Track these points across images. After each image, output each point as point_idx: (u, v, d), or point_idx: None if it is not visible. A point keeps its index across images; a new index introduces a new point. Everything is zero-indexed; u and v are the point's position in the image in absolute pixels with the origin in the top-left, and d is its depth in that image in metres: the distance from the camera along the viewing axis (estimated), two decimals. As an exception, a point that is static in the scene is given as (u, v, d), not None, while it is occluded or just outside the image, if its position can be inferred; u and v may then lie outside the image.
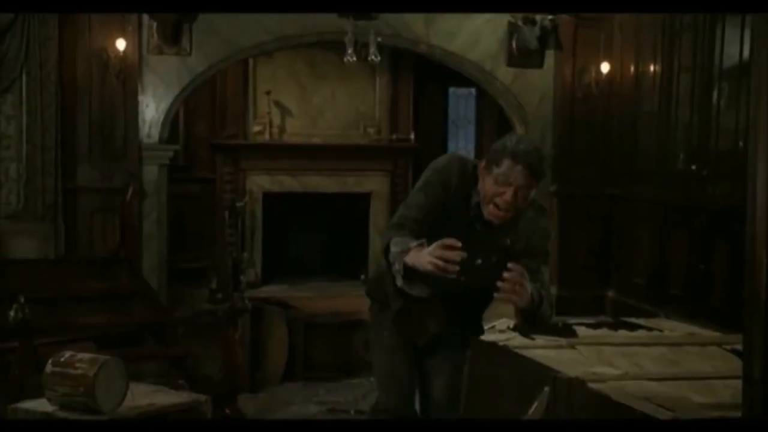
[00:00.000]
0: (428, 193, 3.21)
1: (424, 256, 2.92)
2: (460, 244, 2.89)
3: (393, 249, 3.06)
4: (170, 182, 8.01)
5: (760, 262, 2.07)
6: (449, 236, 2.95)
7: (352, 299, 8.72)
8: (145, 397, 3.51)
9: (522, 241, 3.24)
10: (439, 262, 2.88)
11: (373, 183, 9.82)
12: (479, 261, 3.05)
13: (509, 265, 3.00)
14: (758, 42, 2.13)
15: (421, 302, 3.27)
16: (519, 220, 3.21)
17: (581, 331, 5.02)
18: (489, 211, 3.12)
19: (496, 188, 3.06)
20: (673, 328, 5.32)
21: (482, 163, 3.13)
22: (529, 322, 3.39)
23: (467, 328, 3.34)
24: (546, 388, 3.92)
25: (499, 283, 3.01)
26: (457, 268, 2.90)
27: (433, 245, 2.91)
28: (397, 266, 3.05)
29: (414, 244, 3.00)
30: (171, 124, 7.97)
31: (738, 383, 2.27)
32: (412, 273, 3.03)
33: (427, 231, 3.10)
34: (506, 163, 3.02)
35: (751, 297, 2.12)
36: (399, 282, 3.11)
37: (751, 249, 2.12)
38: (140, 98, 7.57)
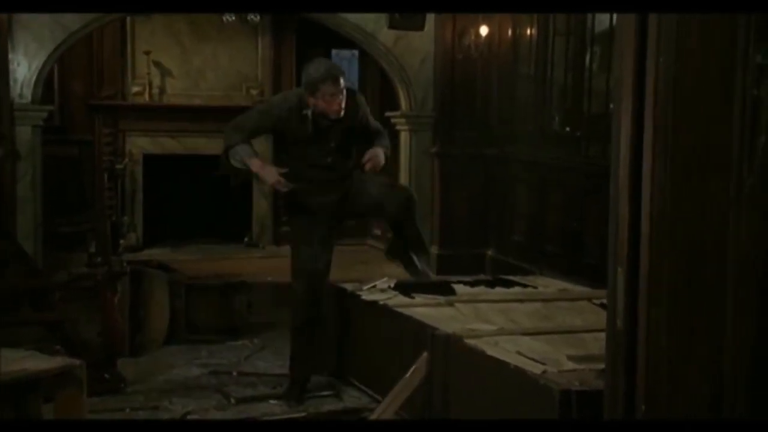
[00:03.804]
0: (261, 117, 4.76)
1: (271, 175, 4.58)
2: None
3: (239, 148, 4.61)
4: (46, 144, 7.77)
5: (623, 217, 2.17)
6: (308, 140, 4.62)
7: (235, 261, 8.71)
8: (17, 362, 3.45)
9: (356, 116, 4.73)
10: (282, 180, 4.56)
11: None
12: (333, 144, 4.68)
13: (369, 151, 4.71)
14: (621, 7, 2.21)
15: (319, 184, 4.72)
16: (346, 109, 4.63)
17: (459, 289, 5.16)
18: (334, 112, 4.57)
19: (329, 100, 4.53)
20: (547, 284, 5.51)
21: (307, 96, 4.56)
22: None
23: (347, 172, 4.84)
24: (425, 354, 4.03)
25: (366, 166, 4.70)
26: (289, 185, 4.57)
27: (275, 170, 4.61)
28: (238, 158, 4.60)
29: (254, 158, 4.63)
30: (45, 83, 7.72)
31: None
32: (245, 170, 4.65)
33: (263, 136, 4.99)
34: (322, 86, 4.50)
35: (614, 251, 2.22)
36: (237, 165, 4.64)
37: (614, 206, 2.21)
38: (11, 56, 7.30)
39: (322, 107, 4.56)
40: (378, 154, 4.73)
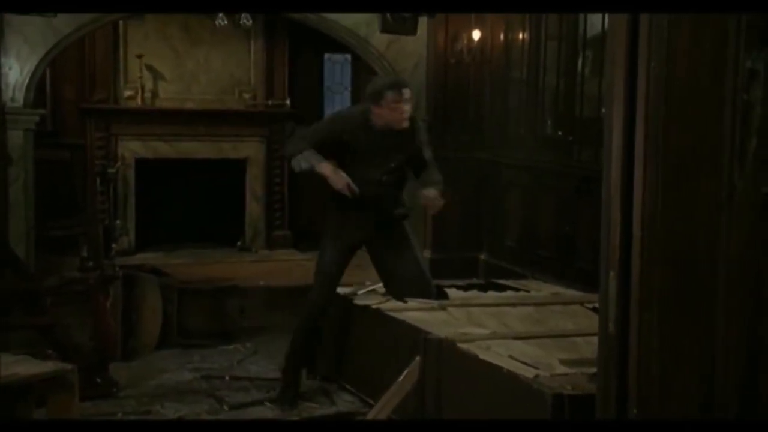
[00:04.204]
0: (330, 125, 4.86)
1: (340, 179, 4.59)
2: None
3: (307, 153, 4.65)
4: (38, 148, 7.74)
5: (614, 222, 2.17)
6: (368, 155, 4.67)
7: (227, 265, 8.69)
8: (8, 367, 3.44)
9: (415, 138, 4.84)
10: (353, 187, 4.58)
11: (249, 149, 9.75)
12: (393, 164, 4.75)
13: (425, 196, 4.72)
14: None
15: (366, 201, 4.70)
16: (407, 128, 4.72)
17: (452, 293, 5.16)
18: (399, 121, 4.65)
19: (394, 108, 4.61)
20: (540, 288, 5.52)
21: (373, 107, 4.65)
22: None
23: (395, 206, 4.88)
24: (417, 358, 4.02)
25: (428, 210, 4.99)
26: (357, 190, 4.60)
27: (345, 175, 4.60)
28: (304, 164, 4.66)
29: (323, 162, 4.64)
30: (37, 87, 7.69)
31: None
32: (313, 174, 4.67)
33: (330, 149, 4.72)
34: (389, 94, 4.61)
35: (606, 255, 2.22)
36: (298, 168, 4.71)
37: (606, 210, 2.21)
38: (2, 60, 7.28)
39: (387, 117, 4.64)
40: (436, 198, 4.74)
